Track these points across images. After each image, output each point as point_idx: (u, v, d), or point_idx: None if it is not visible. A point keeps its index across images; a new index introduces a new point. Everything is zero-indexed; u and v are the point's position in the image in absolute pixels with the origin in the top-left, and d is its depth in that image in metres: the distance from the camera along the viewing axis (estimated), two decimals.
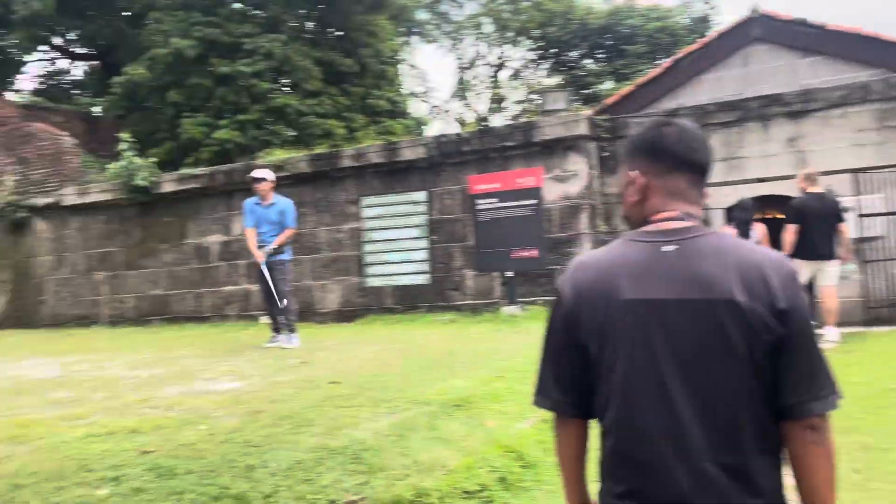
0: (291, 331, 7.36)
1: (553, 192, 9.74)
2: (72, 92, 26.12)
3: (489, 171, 9.80)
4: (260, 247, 7.43)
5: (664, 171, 1.42)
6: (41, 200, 13.31)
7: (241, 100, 14.09)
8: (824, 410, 1.29)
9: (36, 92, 24.59)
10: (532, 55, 29.96)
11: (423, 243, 10.25)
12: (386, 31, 18.10)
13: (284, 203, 7.46)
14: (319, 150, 11.64)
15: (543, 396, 1.50)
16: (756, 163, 9.31)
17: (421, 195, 10.29)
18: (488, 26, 30.22)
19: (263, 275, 7.46)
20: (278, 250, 7.36)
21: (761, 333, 1.26)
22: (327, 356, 6.36)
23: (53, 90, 25.88)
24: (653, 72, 13.05)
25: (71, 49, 22.72)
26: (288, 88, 15.85)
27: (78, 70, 27.38)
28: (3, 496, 2.78)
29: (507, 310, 9.21)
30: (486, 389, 4.50)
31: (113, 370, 6.24)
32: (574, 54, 27.58)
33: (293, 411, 4.00)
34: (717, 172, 9.82)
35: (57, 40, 21.48)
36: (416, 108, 28.89)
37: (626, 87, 13.52)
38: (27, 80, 26.78)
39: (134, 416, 4.16)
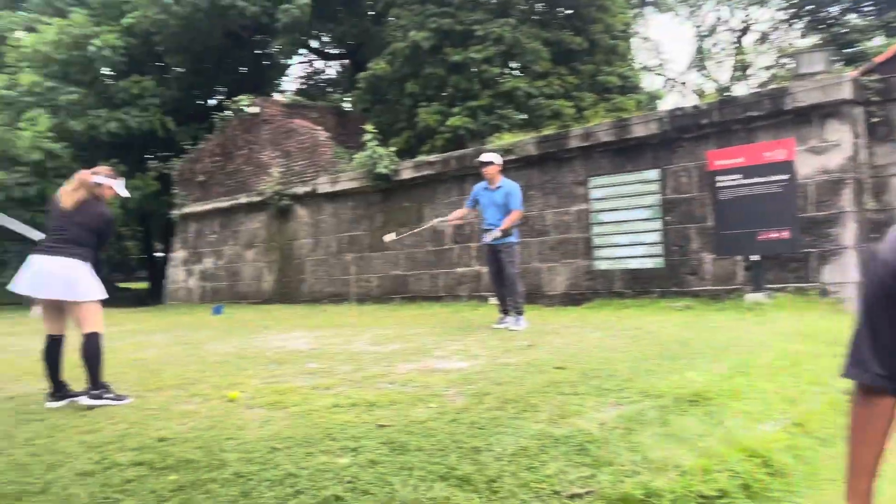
0: (519, 313, 7.42)
1: (808, 166, 8.68)
2: (326, 90, 28.99)
3: (731, 146, 8.99)
4: (486, 230, 7.59)
5: None
6: (301, 189, 14.92)
7: (473, 86, 14.47)
8: None
9: (298, 92, 27.66)
10: (783, 15, 27.05)
11: (656, 224, 9.73)
12: (617, 4, 17.42)
13: (510, 186, 7.51)
14: (547, 131, 11.57)
15: (859, 368, 1.37)
16: None
17: (653, 173, 9.77)
18: None
19: (492, 257, 7.62)
20: (505, 233, 7.44)
21: None
22: (553, 340, 6.30)
23: (311, 89, 28.94)
24: None
25: (325, 50, 25.16)
26: (517, 72, 15.97)
27: (331, 70, 30.32)
28: (263, 456, 3.11)
29: (752, 297, 8.42)
30: (725, 385, 4.12)
31: (358, 345, 6.77)
32: (835, 9, 24.38)
33: (518, 395, 4.00)
34: None
35: (313, 43, 23.93)
36: (649, 82, 27.59)
37: None
38: (290, 82, 30.15)
39: (373, 389, 4.45)
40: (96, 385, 4.45)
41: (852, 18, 23.62)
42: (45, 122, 16.95)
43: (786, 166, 8.26)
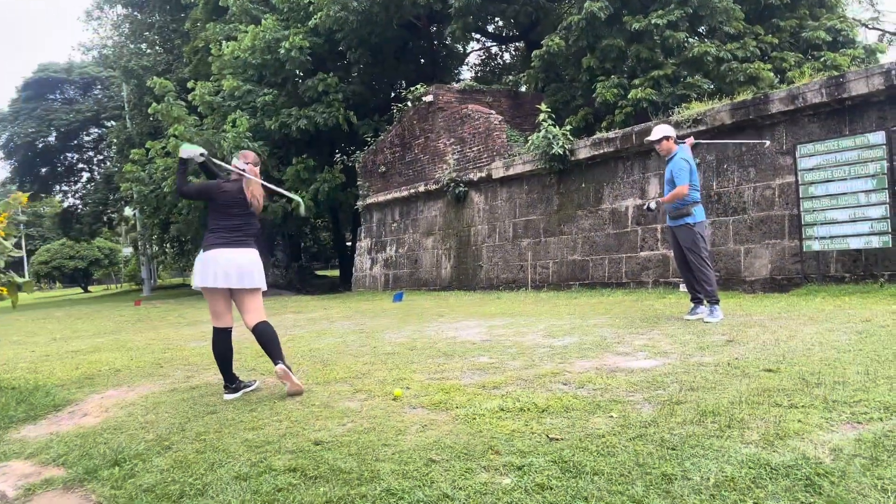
0: (712, 302, 6.55)
1: None
2: (502, 75, 28.76)
3: None
4: (665, 211, 6.82)
5: None
6: (476, 175, 14.73)
7: (655, 55, 13.35)
8: None
9: (475, 79, 27.70)
10: None
11: (882, 196, 8.24)
12: None
13: (674, 164, 6.65)
14: (742, 97, 10.29)
15: None
16: None
17: (878, 136, 8.28)
18: None
19: (674, 240, 6.83)
20: (681, 212, 6.61)
21: None
22: (758, 334, 5.42)
23: (488, 75, 28.86)
24: None
25: (500, 34, 24.86)
26: (706, 37, 14.54)
27: (507, 55, 30.03)
28: (418, 470, 2.78)
29: None
30: None
31: (531, 336, 6.34)
32: None
33: (718, 405, 3.33)
34: None
35: (489, 27, 23.71)
36: (864, 37, 24.16)
37: None
38: (468, 70, 30.29)
39: (545, 391, 3.99)
40: (283, 358, 4.48)
41: None
42: (244, 124, 18.29)
43: None
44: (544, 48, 14.66)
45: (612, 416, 3.34)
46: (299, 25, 19.46)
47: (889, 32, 27.39)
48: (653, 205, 7.36)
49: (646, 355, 4.96)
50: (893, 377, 3.68)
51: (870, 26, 27.03)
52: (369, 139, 19.47)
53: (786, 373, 3.96)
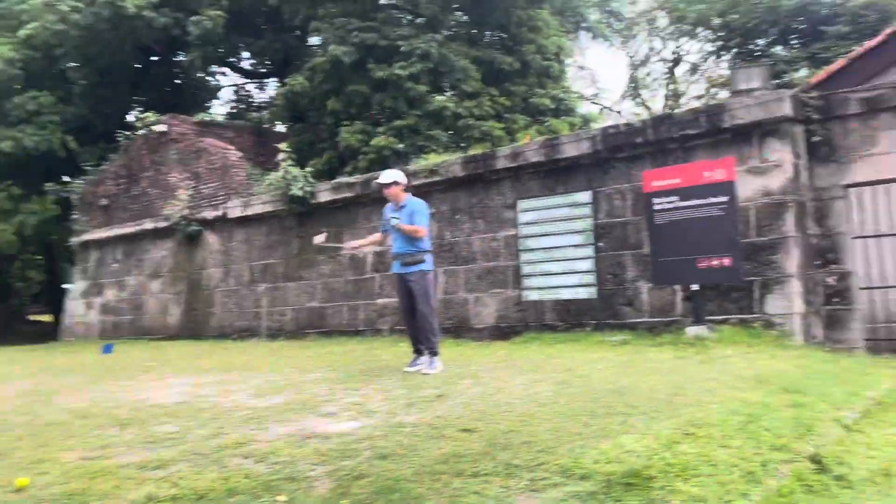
0: (433, 353, 6.43)
1: (748, 188, 8.05)
2: (258, 111, 27.70)
3: (667, 166, 8.30)
4: (394, 256, 6.64)
5: None
6: (211, 213, 13.66)
7: (398, 105, 13.58)
8: None
9: (230, 115, 26.28)
10: (711, 47, 27.41)
11: (588, 251, 8.95)
12: (550, 26, 16.93)
13: (415, 204, 6.58)
14: (474, 151, 10.74)
15: None
16: None
17: (585, 196, 9.01)
18: (662, 20, 28.11)
19: (403, 288, 6.64)
20: (416, 259, 6.49)
21: None
22: (469, 388, 5.32)
23: (243, 111, 27.60)
24: (870, 42, 10.72)
25: (251, 69, 23.96)
26: (447, 91, 15.20)
27: (265, 93, 29.11)
28: None
29: (693, 331, 7.66)
30: (669, 456, 3.21)
31: (237, 396, 5.65)
32: (761, 42, 24.81)
33: (400, 478, 2.99)
34: None
35: (243, 63, 22.69)
36: (585, 109, 27.40)
37: (837, 63, 11.27)
38: (222, 105, 28.74)
39: (218, 468, 3.37)
40: None
41: (778, 50, 23.99)
42: None
43: (726, 187, 7.59)
44: (287, 87, 14.23)
45: (277, 501, 2.82)
46: (8, 34, 16.89)
47: (605, 107, 31.39)
48: (400, 223, 6.47)
49: (351, 416, 4.56)
50: (579, 434, 3.66)
51: (591, 100, 30.73)
52: (90, 168, 17.33)
53: (482, 433, 3.78)
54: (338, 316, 11.67)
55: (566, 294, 9.06)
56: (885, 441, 3.95)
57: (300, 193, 11.71)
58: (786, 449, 3.48)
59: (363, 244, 7.60)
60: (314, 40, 16.90)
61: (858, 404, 4.73)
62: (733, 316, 8.01)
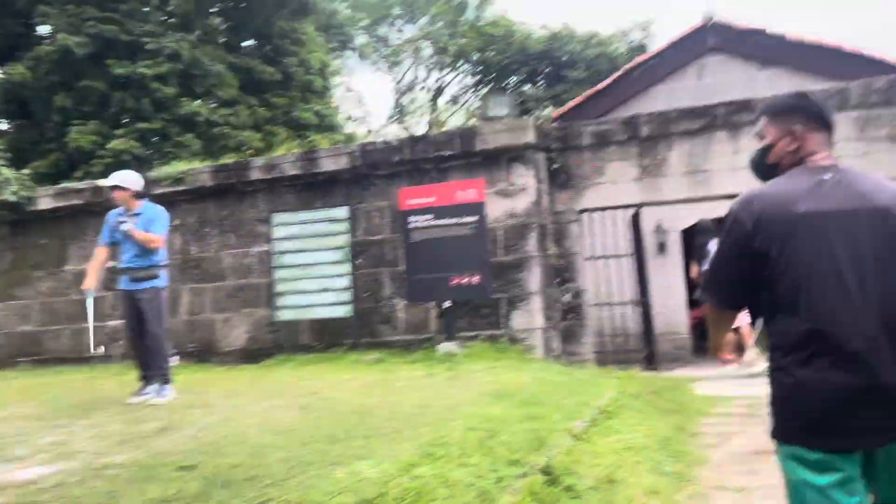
0: (165, 381, 5.71)
1: (497, 209, 8.42)
2: None
3: (424, 185, 8.39)
4: (123, 270, 5.82)
5: (816, 127, 1.99)
6: None
7: (143, 107, 12.33)
8: None
9: None
10: (471, 80, 29.20)
11: (346, 268, 8.73)
12: (315, 41, 16.67)
13: (152, 212, 5.85)
14: (226, 160, 10.03)
15: (711, 294, 2.04)
16: (724, 177, 8.20)
17: (342, 211, 8.80)
18: (427, 49, 29.35)
19: (131, 307, 5.82)
20: (150, 273, 5.74)
21: None
22: (200, 417, 4.74)
23: None
24: (603, 83, 12.01)
25: None
26: (201, 97, 14.19)
27: None
28: None
29: (444, 347, 7.75)
30: (406, 480, 3.01)
31: None
32: (514, 79, 26.99)
33: None
34: (678, 188, 8.69)
35: None
36: (351, 129, 27.56)
37: (576, 99, 12.46)
38: None
39: None
40: None
41: (527, 88, 26.25)
42: None
43: (477, 207, 7.83)
44: (5, 76, 12.27)
45: None
46: None
47: (370, 130, 31.87)
48: (131, 227, 5.70)
49: (45, 459, 3.77)
50: (313, 462, 3.33)
51: (356, 121, 30.99)
52: None
53: (202, 470, 3.29)
54: (59, 341, 10.12)
55: (322, 313, 8.73)
56: (609, 448, 4.16)
57: (13, 199, 10.03)
58: (521, 463, 3.46)
59: (91, 279, 6.13)
60: (45, 29, 14.84)
61: (587, 413, 4.99)
62: (483, 332, 8.27)
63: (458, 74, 29.86)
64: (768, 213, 1.86)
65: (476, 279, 7.76)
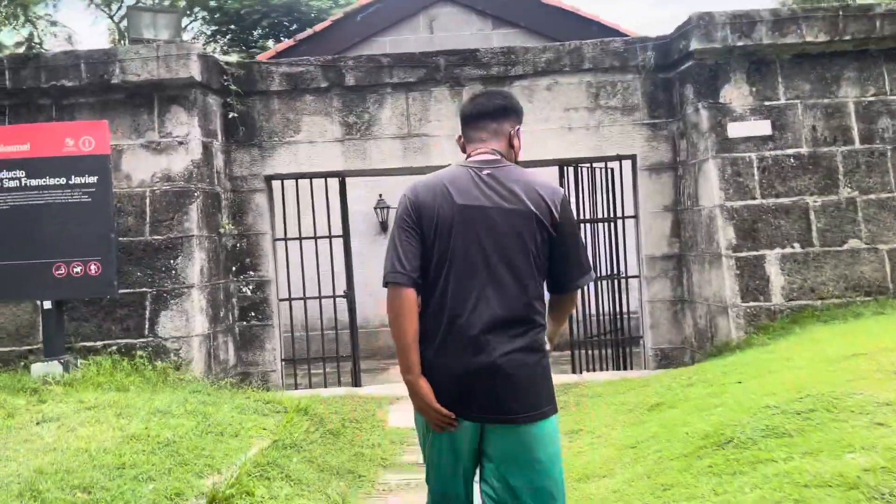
0: None
1: (145, 169, 6.04)
2: None
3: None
4: None
5: (466, 125, 2.32)
6: None
7: None
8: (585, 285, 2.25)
9: None
10: (207, 30, 25.69)
11: None
12: None
13: None
14: None
15: (394, 273, 2.11)
16: (445, 144, 6.64)
17: None
18: None
19: None
20: None
21: (543, 232, 2.12)
22: None
23: None
24: (319, 25, 10.00)
25: None
26: None
27: None
28: None
29: (40, 368, 5.21)
30: None
31: None
32: (256, 33, 24.10)
33: None
34: (391, 154, 6.98)
35: None
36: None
37: (282, 44, 10.34)
38: None
39: None
40: None
41: (270, 44, 23.53)
42: None
43: (97, 162, 5.35)
44: None
45: None
46: None
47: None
48: None
49: None
50: None
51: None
52: None
53: None
54: None
55: None
56: None
57: None
58: None
59: None
60: None
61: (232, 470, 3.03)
62: (118, 341, 5.87)
63: (194, 23, 26.15)
64: (430, 201, 2.14)
65: (94, 267, 5.32)
